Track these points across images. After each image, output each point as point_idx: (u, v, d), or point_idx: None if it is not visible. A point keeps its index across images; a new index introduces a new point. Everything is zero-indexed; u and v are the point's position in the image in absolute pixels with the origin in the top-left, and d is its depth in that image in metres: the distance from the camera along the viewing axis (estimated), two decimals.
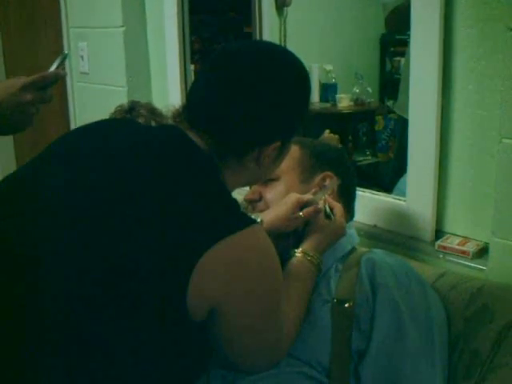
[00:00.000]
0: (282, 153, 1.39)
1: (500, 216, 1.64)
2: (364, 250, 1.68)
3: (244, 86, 1.30)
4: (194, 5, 2.83)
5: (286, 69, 1.36)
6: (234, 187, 1.38)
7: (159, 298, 1.16)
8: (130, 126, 1.46)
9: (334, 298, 1.51)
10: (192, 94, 1.39)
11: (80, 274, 1.17)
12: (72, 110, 3.32)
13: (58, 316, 1.17)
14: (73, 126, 3.31)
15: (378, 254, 1.63)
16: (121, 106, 2.24)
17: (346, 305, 1.48)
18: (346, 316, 1.47)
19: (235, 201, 1.27)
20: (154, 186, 1.23)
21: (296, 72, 1.38)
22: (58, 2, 3.23)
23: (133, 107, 2.22)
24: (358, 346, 1.46)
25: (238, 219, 1.23)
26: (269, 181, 1.67)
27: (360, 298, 1.49)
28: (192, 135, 1.31)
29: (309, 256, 1.53)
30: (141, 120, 2.10)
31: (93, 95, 3.09)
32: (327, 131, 2.36)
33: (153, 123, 2.12)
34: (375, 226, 2.01)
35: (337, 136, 2.37)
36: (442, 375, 1.47)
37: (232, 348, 1.32)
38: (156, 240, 1.16)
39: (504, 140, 1.58)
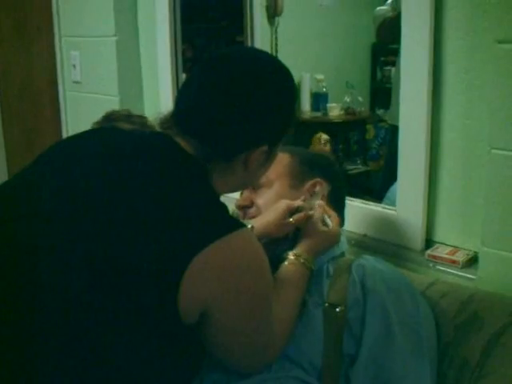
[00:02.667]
0: (269, 157, 1.40)
1: (489, 226, 1.65)
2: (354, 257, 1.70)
3: (231, 90, 1.32)
4: (186, 14, 2.85)
5: (272, 74, 1.37)
6: (223, 192, 1.39)
7: (151, 300, 1.17)
8: (121, 134, 1.47)
9: (325, 303, 1.52)
10: (179, 100, 1.40)
11: (75, 276, 1.19)
12: (64, 119, 3.32)
13: (53, 317, 1.19)
14: (65, 135, 3.31)
15: (369, 260, 1.65)
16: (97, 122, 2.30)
17: (338, 309, 1.49)
18: (337, 320, 1.49)
19: (224, 205, 1.29)
20: (145, 191, 1.24)
21: (282, 77, 1.40)
22: (51, 11, 3.23)
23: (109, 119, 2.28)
24: (349, 350, 1.47)
25: (227, 223, 1.25)
26: (259, 187, 1.68)
27: (351, 303, 1.50)
28: (180, 141, 1.32)
29: (302, 259, 1.54)
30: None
31: (85, 104, 3.09)
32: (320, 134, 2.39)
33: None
34: (365, 235, 2.02)
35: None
36: (431, 378, 1.48)
37: (223, 350, 1.33)
38: (147, 244, 1.18)
39: (493, 150, 1.60)
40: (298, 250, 1.57)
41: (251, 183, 1.54)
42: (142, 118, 2.25)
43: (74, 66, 3.13)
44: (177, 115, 1.37)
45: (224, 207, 1.29)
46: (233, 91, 1.32)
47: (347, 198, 1.85)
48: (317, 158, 1.80)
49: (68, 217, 1.24)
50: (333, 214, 1.67)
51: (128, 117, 2.29)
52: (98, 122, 2.24)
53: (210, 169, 1.32)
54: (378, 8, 3.03)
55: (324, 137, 3.26)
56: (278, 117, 1.38)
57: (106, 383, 1.20)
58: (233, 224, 1.25)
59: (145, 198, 1.23)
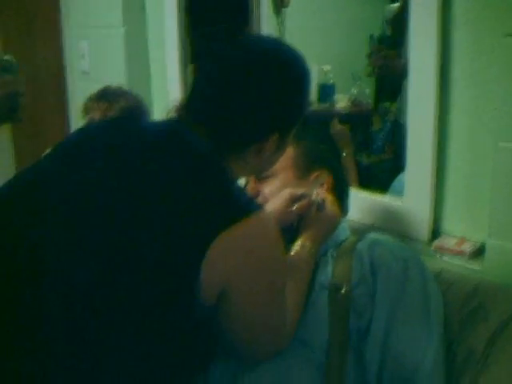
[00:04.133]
0: (281, 145, 1.41)
1: (496, 217, 1.66)
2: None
3: (243, 80, 1.33)
4: (193, 4, 2.86)
5: (285, 62, 1.38)
6: (237, 177, 1.40)
7: (172, 284, 1.19)
8: (135, 124, 1.49)
9: (330, 284, 1.54)
10: (193, 89, 1.42)
11: (93, 266, 1.20)
12: (72, 109, 3.32)
13: (68, 307, 1.20)
14: (72, 125, 3.31)
15: (375, 235, 1.69)
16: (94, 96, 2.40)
17: (343, 291, 1.52)
18: (342, 301, 1.51)
19: (242, 187, 1.31)
20: (162, 178, 1.25)
21: (295, 65, 1.41)
22: (59, 1, 3.24)
23: (106, 93, 2.40)
24: (357, 325, 1.49)
25: (247, 204, 1.27)
26: (265, 178, 1.70)
27: (358, 281, 1.53)
28: (194, 129, 1.34)
29: (306, 247, 1.57)
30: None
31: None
32: (336, 121, 2.40)
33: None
34: (372, 225, 2.03)
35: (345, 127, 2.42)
36: (439, 344, 1.50)
37: (239, 331, 1.34)
38: (167, 227, 1.20)
39: (500, 143, 1.61)
40: (302, 239, 1.59)
41: (264, 171, 1.55)
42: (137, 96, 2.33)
43: (83, 55, 3.14)
44: (190, 105, 1.38)
45: (242, 189, 1.31)
46: (245, 80, 1.33)
47: (354, 188, 1.86)
48: (321, 150, 1.82)
49: (85, 208, 1.25)
50: (327, 196, 1.70)
51: (124, 93, 2.36)
52: (93, 98, 2.36)
53: (224, 156, 1.34)
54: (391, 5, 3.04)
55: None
56: (291, 105, 1.40)
57: (118, 369, 1.21)
58: (252, 206, 1.27)
59: (163, 184, 1.25)
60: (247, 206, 1.25)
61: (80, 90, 3.23)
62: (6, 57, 1.93)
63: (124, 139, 1.36)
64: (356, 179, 2.47)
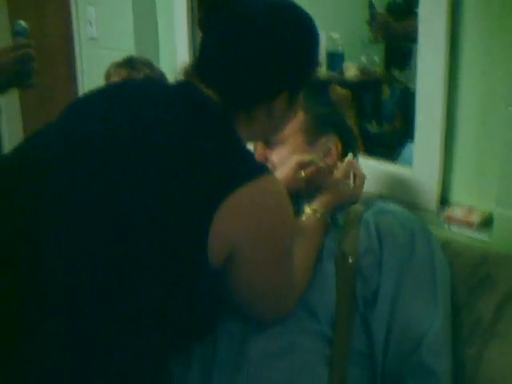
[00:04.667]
0: (291, 105, 1.41)
1: (505, 186, 1.65)
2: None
3: (250, 38, 1.33)
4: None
5: (292, 20, 1.37)
6: (247, 140, 1.40)
7: (181, 244, 1.20)
8: (146, 85, 1.49)
9: (337, 253, 1.55)
10: (202, 49, 1.41)
11: (101, 229, 1.21)
12: (80, 76, 3.32)
13: (88, 260, 1.21)
14: (81, 91, 3.31)
15: (380, 204, 1.70)
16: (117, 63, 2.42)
17: (350, 260, 1.52)
18: (349, 270, 1.51)
19: (250, 150, 1.32)
20: (171, 140, 1.26)
21: (302, 23, 1.40)
22: None
23: (130, 61, 2.42)
24: (364, 294, 1.50)
25: (255, 166, 1.28)
26: (274, 144, 1.69)
27: (364, 251, 1.54)
28: (203, 89, 1.33)
29: (318, 214, 1.57)
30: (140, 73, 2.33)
31: (101, 61, 3.07)
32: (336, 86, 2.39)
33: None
34: (381, 194, 2.02)
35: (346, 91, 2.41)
36: (444, 316, 1.50)
37: (247, 294, 1.35)
38: (180, 185, 1.20)
39: (510, 108, 1.60)
40: (315, 204, 1.59)
41: (273, 134, 1.53)
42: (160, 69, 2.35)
43: (90, 22, 3.12)
44: (199, 65, 1.38)
45: (250, 152, 1.31)
46: (254, 36, 1.33)
47: (362, 156, 1.86)
48: (330, 115, 1.81)
49: (95, 170, 1.25)
50: (360, 173, 1.72)
51: (148, 63, 2.39)
52: (116, 64, 2.41)
53: (234, 117, 1.33)
54: None
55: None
56: (301, 62, 1.39)
57: (124, 335, 1.22)
58: (261, 168, 1.28)
59: (171, 146, 1.25)
60: (256, 169, 1.26)
61: (88, 56, 3.22)
62: (20, 21, 1.92)
63: (134, 100, 1.36)
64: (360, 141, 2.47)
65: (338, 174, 1.68)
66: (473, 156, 1.79)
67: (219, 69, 1.35)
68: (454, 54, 1.77)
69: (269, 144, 1.70)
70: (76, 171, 1.26)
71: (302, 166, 1.63)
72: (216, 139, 1.27)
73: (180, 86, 1.38)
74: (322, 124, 1.74)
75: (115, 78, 2.40)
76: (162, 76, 2.44)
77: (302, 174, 1.62)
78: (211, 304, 1.36)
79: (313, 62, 1.43)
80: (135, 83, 1.50)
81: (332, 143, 1.73)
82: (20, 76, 1.88)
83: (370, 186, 2.02)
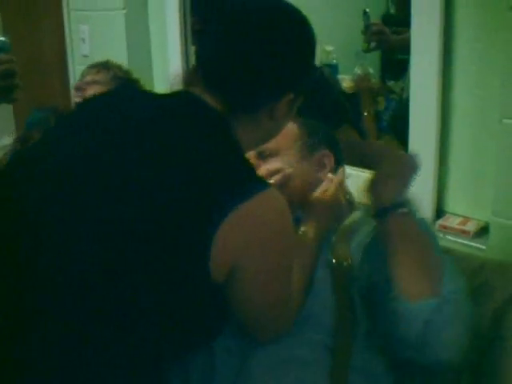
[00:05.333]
0: (293, 105, 1.39)
1: (500, 196, 1.66)
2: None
3: (253, 40, 1.31)
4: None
5: (290, 20, 1.36)
6: (250, 146, 1.39)
7: (184, 258, 1.18)
8: (144, 96, 1.47)
9: (333, 259, 1.54)
10: (201, 53, 1.40)
11: (102, 241, 1.19)
12: (73, 93, 3.32)
13: (76, 279, 1.19)
14: (73, 107, 3.31)
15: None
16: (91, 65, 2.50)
17: (345, 263, 1.52)
18: (345, 274, 1.52)
19: (250, 162, 1.30)
20: (174, 152, 1.23)
21: (300, 23, 1.39)
22: None
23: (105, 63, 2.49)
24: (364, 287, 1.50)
25: (256, 181, 1.26)
26: (268, 157, 1.69)
27: (355, 248, 1.55)
28: (205, 97, 1.32)
29: (309, 235, 1.55)
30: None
31: None
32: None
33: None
34: None
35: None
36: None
37: (247, 310, 1.33)
38: (180, 201, 1.18)
39: (504, 120, 1.60)
40: (305, 226, 1.57)
41: (276, 134, 1.49)
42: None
43: (83, 39, 3.13)
44: (199, 69, 1.36)
45: (251, 165, 1.30)
46: (252, 40, 1.31)
47: (358, 168, 1.85)
48: (323, 129, 1.81)
49: (95, 184, 1.24)
50: (346, 190, 1.70)
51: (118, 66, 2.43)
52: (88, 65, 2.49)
53: (236, 123, 1.32)
54: None
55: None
56: (300, 62, 1.38)
57: (124, 346, 1.21)
58: (263, 183, 1.26)
59: (176, 158, 1.23)
60: (258, 184, 1.24)
61: (81, 73, 3.22)
62: (1, 37, 1.91)
63: (137, 111, 1.34)
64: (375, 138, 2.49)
65: (323, 192, 1.64)
66: (468, 166, 1.79)
67: (221, 74, 1.33)
68: (448, 65, 1.77)
69: (262, 156, 1.70)
70: (72, 189, 1.25)
71: (270, 173, 1.63)
72: (217, 152, 1.25)
73: (177, 95, 1.37)
74: (316, 138, 1.74)
75: (88, 77, 2.48)
76: (137, 82, 2.46)
77: (272, 181, 1.61)
78: (213, 319, 1.34)
79: (312, 59, 1.43)
80: (129, 94, 1.48)
81: (326, 159, 1.73)
82: (2, 91, 1.88)
83: (362, 197, 2.03)
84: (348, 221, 1.64)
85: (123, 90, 1.48)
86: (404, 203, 1.49)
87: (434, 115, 1.80)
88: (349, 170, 2.00)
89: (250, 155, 1.67)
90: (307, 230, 1.56)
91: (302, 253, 1.50)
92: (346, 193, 1.70)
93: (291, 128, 1.70)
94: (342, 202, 1.66)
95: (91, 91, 2.39)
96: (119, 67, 2.52)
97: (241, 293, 1.28)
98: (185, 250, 1.18)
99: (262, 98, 1.33)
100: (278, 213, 1.27)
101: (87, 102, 1.47)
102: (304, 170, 1.68)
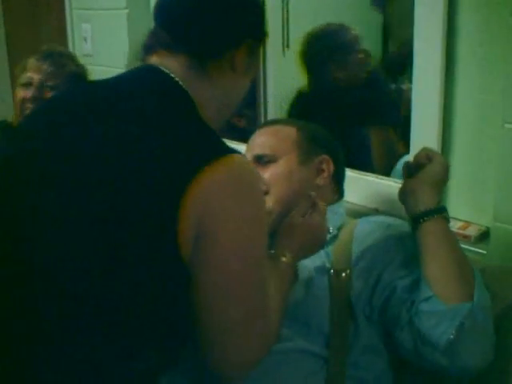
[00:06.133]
0: (252, 58, 1.40)
1: (501, 201, 1.65)
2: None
3: None
4: None
5: None
6: (213, 112, 1.37)
7: (152, 233, 1.17)
8: (103, 83, 1.44)
9: (330, 269, 1.54)
10: (158, 10, 1.40)
11: (76, 230, 1.19)
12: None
13: (57, 275, 1.20)
14: None
15: (373, 217, 1.73)
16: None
17: (343, 274, 1.52)
18: (343, 284, 1.52)
19: (213, 131, 1.28)
20: (135, 131, 1.23)
21: None
22: None
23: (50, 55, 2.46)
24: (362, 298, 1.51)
25: (222, 146, 1.24)
26: (267, 162, 1.69)
27: (357, 258, 1.55)
28: (167, 60, 1.33)
29: (285, 259, 1.46)
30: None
31: (95, 77, 3.08)
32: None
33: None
34: (376, 209, 2.02)
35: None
36: None
37: (214, 315, 1.24)
38: (146, 175, 1.18)
39: (506, 125, 1.59)
40: (281, 248, 1.48)
41: (238, 96, 1.46)
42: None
43: (85, 38, 3.13)
44: (160, 30, 1.37)
45: (216, 134, 1.28)
46: None
47: (359, 172, 1.85)
48: (323, 134, 1.81)
49: (64, 173, 1.24)
50: (322, 206, 1.59)
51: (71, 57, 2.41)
52: (37, 57, 2.46)
53: (197, 84, 1.32)
54: None
55: None
56: (253, 9, 1.41)
57: (105, 341, 1.21)
58: (229, 148, 1.24)
59: (132, 140, 1.22)
60: (223, 148, 1.23)
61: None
62: None
63: (93, 101, 1.34)
64: None
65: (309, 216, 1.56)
66: (469, 171, 1.79)
67: (185, 21, 1.34)
68: (450, 70, 1.77)
69: (260, 161, 1.69)
70: (47, 170, 1.26)
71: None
72: (180, 123, 1.25)
73: (138, 72, 1.37)
74: (316, 143, 1.74)
75: (37, 74, 2.43)
76: (84, 70, 2.48)
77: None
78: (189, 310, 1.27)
79: (263, 10, 1.46)
80: (89, 86, 1.47)
81: (325, 164, 1.73)
82: None
83: (365, 201, 2.03)
84: (348, 228, 1.64)
85: (79, 84, 1.48)
86: (440, 209, 1.52)
87: (436, 119, 1.80)
88: (350, 172, 2.01)
89: (251, 162, 1.67)
90: (282, 252, 1.47)
91: (276, 275, 1.41)
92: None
93: (290, 133, 1.71)
94: (325, 230, 1.59)
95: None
96: (68, 57, 2.54)
97: (207, 269, 1.21)
98: (155, 216, 1.16)
99: (224, 39, 1.35)
100: (246, 176, 1.25)
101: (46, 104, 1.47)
102: (302, 175, 1.68)
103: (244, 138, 2.04)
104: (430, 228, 1.49)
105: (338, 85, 2.72)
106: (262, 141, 1.77)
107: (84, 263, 1.18)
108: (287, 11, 3.02)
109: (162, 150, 1.19)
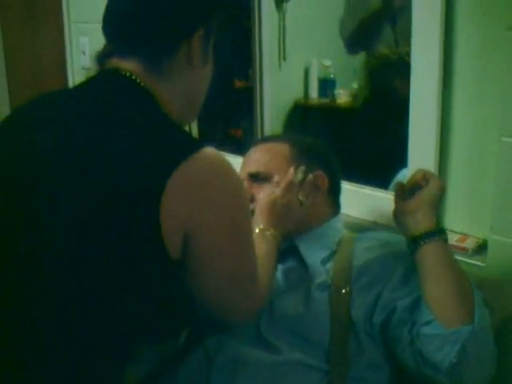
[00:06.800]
0: (206, 48, 1.40)
1: (499, 213, 1.66)
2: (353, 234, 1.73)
3: None
4: None
5: None
6: (176, 110, 1.37)
7: (137, 236, 1.18)
8: (65, 93, 1.50)
9: (330, 286, 1.54)
10: (107, 18, 1.41)
11: (59, 235, 1.21)
12: None
13: (44, 278, 1.22)
14: None
15: (371, 233, 1.73)
16: None
17: (343, 291, 1.52)
18: (344, 300, 1.52)
19: (182, 128, 1.30)
20: (108, 138, 1.24)
21: None
22: None
23: None
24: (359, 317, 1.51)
25: (193, 142, 1.26)
26: (260, 180, 1.69)
27: (357, 275, 1.55)
28: (124, 65, 1.33)
29: (267, 232, 1.55)
30: None
31: None
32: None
33: None
34: (375, 222, 2.03)
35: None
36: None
37: (208, 287, 1.30)
38: (122, 180, 1.18)
39: (503, 138, 1.60)
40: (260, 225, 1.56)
41: (198, 90, 1.47)
42: None
43: (83, 51, 3.14)
44: (112, 37, 1.38)
45: (185, 130, 1.31)
46: None
47: (357, 185, 1.85)
48: (316, 149, 1.81)
49: (38, 180, 1.25)
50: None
51: None
52: None
53: (157, 85, 1.33)
54: None
55: None
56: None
57: (96, 337, 1.22)
58: (196, 144, 1.24)
59: (106, 146, 1.23)
60: (190, 145, 1.23)
61: None
62: None
63: (59, 110, 1.35)
64: None
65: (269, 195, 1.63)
66: (466, 183, 1.80)
67: (134, 22, 1.34)
68: (448, 83, 1.78)
69: (255, 179, 1.70)
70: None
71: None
72: (147, 123, 1.26)
73: (99, 77, 1.37)
74: (310, 159, 1.74)
75: None
76: None
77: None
78: (178, 305, 1.33)
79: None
80: (49, 97, 1.48)
81: (320, 180, 1.73)
82: None
83: (363, 214, 2.03)
84: (347, 245, 1.64)
85: (43, 96, 1.49)
86: (439, 230, 1.51)
87: (434, 132, 1.81)
88: (348, 185, 2.02)
89: (245, 180, 1.68)
90: (266, 228, 1.55)
91: (265, 245, 1.51)
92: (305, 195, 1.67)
93: (283, 149, 1.72)
94: (293, 206, 1.64)
95: None
96: None
97: (197, 266, 1.26)
98: (136, 221, 1.17)
99: (171, 35, 1.34)
100: (221, 169, 1.26)
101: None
102: (296, 192, 1.68)
103: (241, 149, 2.05)
104: (430, 250, 1.48)
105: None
106: (255, 158, 1.77)
107: (72, 268, 1.20)
108: (283, 26, 3.04)
109: (133, 152, 1.20)
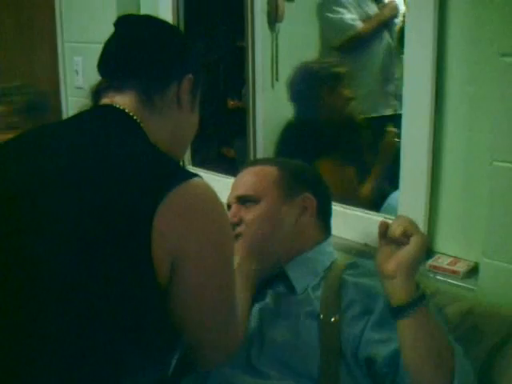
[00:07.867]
0: (195, 92, 1.47)
1: (491, 237, 1.66)
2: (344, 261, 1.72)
3: (143, 37, 1.44)
4: (188, 18, 2.88)
5: (167, 24, 1.55)
6: (166, 143, 1.40)
7: (127, 262, 1.19)
8: (64, 123, 1.54)
9: (320, 315, 1.53)
10: (103, 57, 1.47)
11: (54, 253, 1.21)
12: None
13: (39, 293, 1.22)
14: None
15: (360, 259, 1.71)
16: None
17: (332, 319, 1.51)
18: (333, 329, 1.50)
19: (172, 158, 1.34)
20: (104, 168, 1.27)
21: (174, 28, 1.70)
22: (54, 16, 3.25)
23: None
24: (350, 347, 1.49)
25: (181, 172, 1.29)
26: (248, 202, 1.69)
27: (347, 305, 1.53)
28: (117, 99, 1.39)
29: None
30: None
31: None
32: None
33: None
34: (366, 244, 2.03)
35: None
36: None
37: (190, 318, 1.31)
38: (117, 201, 1.21)
39: (495, 162, 1.61)
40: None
41: (187, 129, 1.52)
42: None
43: (77, 71, 3.14)
44: (103, 75, 1.46)
45: (174, 160, 1.35)
46: (144, 38, 1.44)
47: (349, 207, 1.85)
48: (305, 172, 1.82)
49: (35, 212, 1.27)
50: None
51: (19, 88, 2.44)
52: None
53: (148, 122, 1.38)
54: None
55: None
56: (185, 46, 1.49)
57: (84, 360, 1.22)
58: (187, 173, 1.28)
59: (101, 175, 1.26)
60: (182, 174, 1.27)
61: (74, 105, 3.23)
62: None
63: (54, 141, 1.38)
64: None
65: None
66: (458, 207, 1.81)
67: (123, 59, 1.43)
68: (440, 108, 1.79)
69: (242, 202, 1.70)
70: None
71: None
72: (139, 152, 1.30)
73: (94, 111, 1.43)
74: (298, 182, 1.75)
75: None
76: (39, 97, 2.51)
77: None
78: (168, 330, 1.32)
79: (189, 49, 1.51)
80: (49, 130, 1.51)
81: (308, 201, 1.73)
82: None
83: (355, 236, 2.03)
84: (335, 273, 1.64)
85: (42, 127, 1.51)
86: (421, 298, 1.38)
87: (425, 156, 1.82)
88: (340, 208, 2.02)
89: (232, 203, 1.69)
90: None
91: (241, 277, 1.54)
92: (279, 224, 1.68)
93: (271, 172, 1.72)
94: (266, 236, 1.66)
95: None
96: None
97: (180, 295, 1.27)
98: (128, 248, 1.19)
99: (165, 72, 1.43)
100: (209, 198, 1.28)
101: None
102: (285, 215, 1.68)
103: (233, 169, 2.06)
104: (408, 323, 1.38)
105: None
106: (243, 181, 1.78)
107: (66, 282, 1.20)
108: (276, 46, 3.05)
109: (126, 178, 1.24)
